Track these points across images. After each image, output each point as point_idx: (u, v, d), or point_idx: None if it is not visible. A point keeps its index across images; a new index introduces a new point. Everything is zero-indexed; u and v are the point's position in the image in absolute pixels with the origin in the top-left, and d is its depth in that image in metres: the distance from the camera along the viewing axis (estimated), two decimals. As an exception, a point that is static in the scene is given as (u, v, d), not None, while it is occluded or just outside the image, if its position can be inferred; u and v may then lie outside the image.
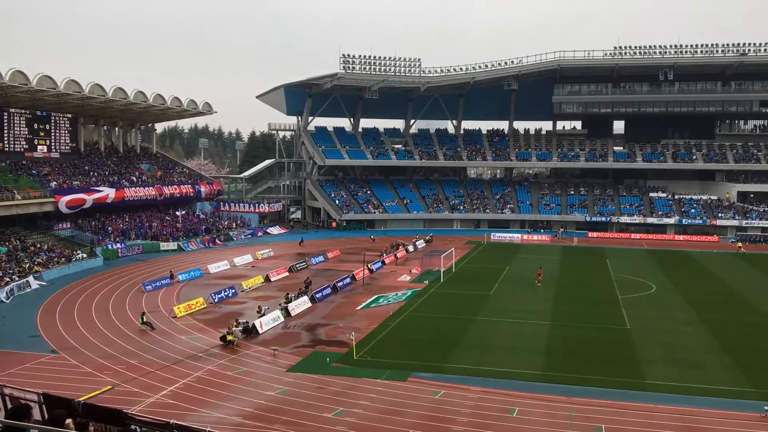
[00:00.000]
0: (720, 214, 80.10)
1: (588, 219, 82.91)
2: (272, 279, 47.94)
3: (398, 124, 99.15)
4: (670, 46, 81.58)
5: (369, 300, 40.97)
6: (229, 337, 30.34)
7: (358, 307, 39.01)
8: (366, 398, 23.58)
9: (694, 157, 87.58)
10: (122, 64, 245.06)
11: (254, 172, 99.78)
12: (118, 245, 58.50)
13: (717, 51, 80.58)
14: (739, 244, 69.43)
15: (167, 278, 46.30)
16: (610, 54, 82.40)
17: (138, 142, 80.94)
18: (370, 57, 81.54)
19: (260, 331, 32.69)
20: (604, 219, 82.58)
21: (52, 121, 63.73)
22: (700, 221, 79.43)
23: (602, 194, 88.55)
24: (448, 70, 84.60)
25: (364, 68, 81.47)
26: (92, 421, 8.58)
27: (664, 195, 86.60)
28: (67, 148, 65.72)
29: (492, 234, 75.74)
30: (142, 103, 65.57)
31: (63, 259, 51.11)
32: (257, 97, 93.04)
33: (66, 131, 65.56)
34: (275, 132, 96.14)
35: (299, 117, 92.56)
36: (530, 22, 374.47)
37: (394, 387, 24.84)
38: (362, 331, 32.79)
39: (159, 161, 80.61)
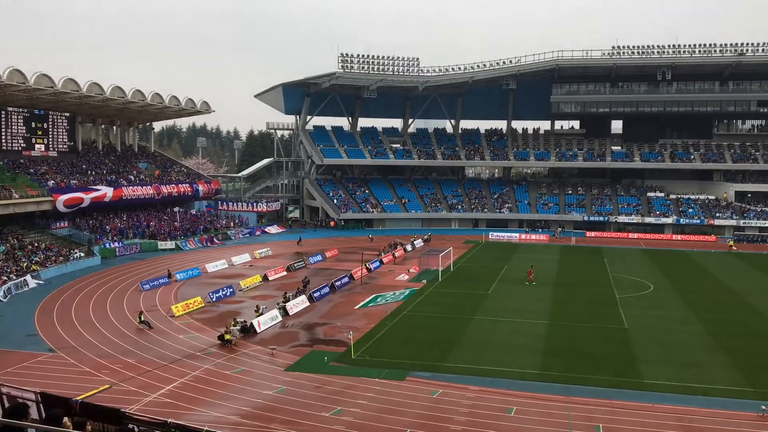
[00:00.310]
0: (718, 214, 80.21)
1: (586, 218, 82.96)
2: (270, 278, 47.89)
3: (396, 123, 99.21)
4: (668, 46, 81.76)
5: (367, 299, 40.96)
6: (227, 336, 30.32)
7: (356, 307, 39.00)
8: (364, 397, 23.58)
9: (692, 156, 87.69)
10: (121, 63, 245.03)
11: (252, 171, 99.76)
12: (116, 244, 58.44)
13: (715, 51, 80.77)
14: (731, 242, 69.64)
15: (165, 277, 46.21)
16: (608, 54, 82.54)
17: (136, 141, 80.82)
18: (368, 56, 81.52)
19: (258, 331, 32.67)
20: (602, 218, 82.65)
21: (50, 119, 63.63)
22: (698, 221, 79.51)
23: (600, 194, 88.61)
24: (447, 69, 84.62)
25: (363, 67, 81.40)
26: (90, 420, 8.58)
27: (662, 195, 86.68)
28: (64, 146, 65.64)
29: (490, 233, 75.76)
30: (140, 102, 65.50)
31: (60, 258, 51.05)
32: (255, 96, 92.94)
33: (64, 130, 65.49)
34: (273, 131, 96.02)
35: (297, 116, 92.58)
36: (530, 22, 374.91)
37: (392, 386, 24.85)
38: (360, 331, 32.80)
39: (157, 160, 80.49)
